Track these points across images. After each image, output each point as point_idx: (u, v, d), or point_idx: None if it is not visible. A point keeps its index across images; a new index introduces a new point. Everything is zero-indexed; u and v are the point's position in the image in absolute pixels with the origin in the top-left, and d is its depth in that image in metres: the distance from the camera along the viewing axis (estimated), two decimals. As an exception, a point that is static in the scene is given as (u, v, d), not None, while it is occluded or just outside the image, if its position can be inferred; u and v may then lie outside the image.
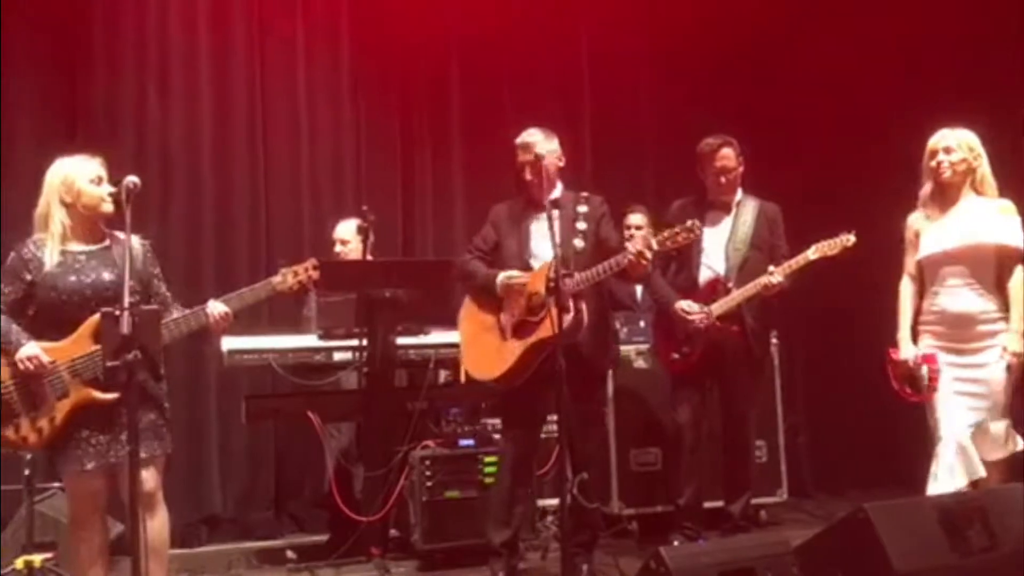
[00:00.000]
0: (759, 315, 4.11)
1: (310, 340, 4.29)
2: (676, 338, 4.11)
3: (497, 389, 3.72)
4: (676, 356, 4.14)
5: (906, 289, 3.56)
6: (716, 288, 4.07)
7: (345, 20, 5.40)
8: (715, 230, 4.09)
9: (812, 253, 3.95)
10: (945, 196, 3.49)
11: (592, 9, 5.69)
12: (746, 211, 4.16)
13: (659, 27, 5.71)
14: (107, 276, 3.02)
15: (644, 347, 4.67)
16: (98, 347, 2.87)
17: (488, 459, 4.13)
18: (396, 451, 4.15)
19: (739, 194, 4.20)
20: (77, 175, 3.05)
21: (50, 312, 3.00)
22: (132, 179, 2.86)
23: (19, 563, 3.53)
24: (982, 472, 3.29)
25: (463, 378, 4.39)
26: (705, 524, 4.18)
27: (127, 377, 2.56)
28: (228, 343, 4.10)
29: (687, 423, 4.15)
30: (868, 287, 4.24)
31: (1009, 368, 3.33)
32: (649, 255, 3.40)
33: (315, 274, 3.21)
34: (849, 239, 3.91)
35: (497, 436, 4.22)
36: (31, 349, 2.93)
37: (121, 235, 2.98)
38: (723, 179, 4.12)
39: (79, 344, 2.96)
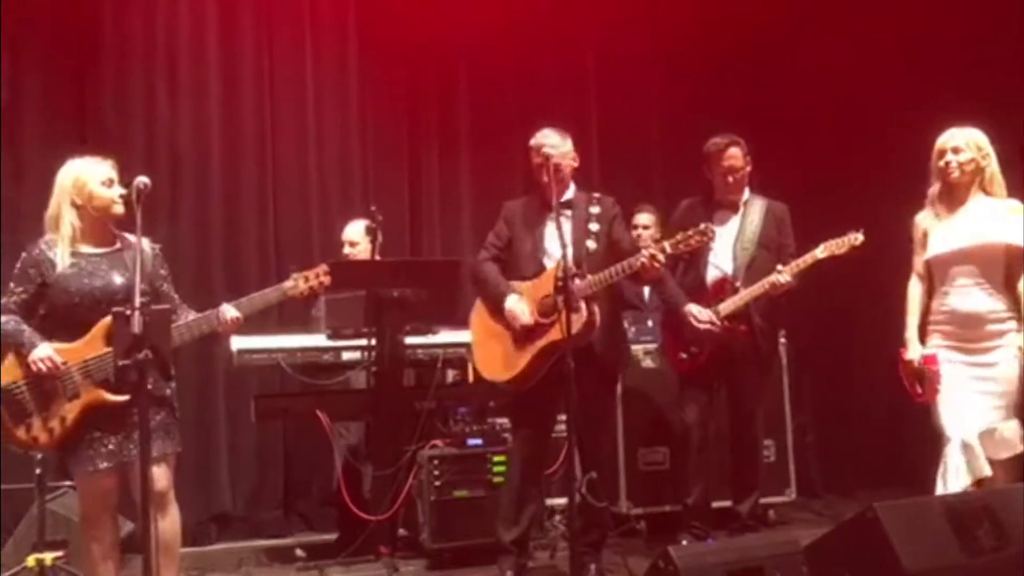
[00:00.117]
0: (767, 314, 4.11)
1: (319, 340, 4.31)
2: (684, 338, 4.11)
3: (508, 390, 3.72)
4: (684, 356, 4.14)
5: (914, 289, 3.56)
6: (724, 287, 4.07)
7: (353, 23, 5.41)
8: (723, 229, 4.09)
9: (820, 252, 3.95)
10: (954, 196, 3.48)
11: (598, 11, 5.70)
12: (753, 210, 4.16)
13: (664, 29, 5.71)
14: (118, 280, 3.04)
15: (652, 347, 4.67)
16: (110, 349, 2.88)
17: (496, 458, 4.14)
18: (405, 450, 4.16)
19: (746, 193, 4.20)
20: (88, 177, 3.06)
21: (61, 313, 3.03)
22: (143, 180, 2.87)
23: (31, 561, 3.55)
24: (987, 471, 3.28)
25: (471, 377, 4.42)
26: (713, 524, 4.19)
27: (138, 376, 2.57)
28: (237, 343, 4.12)
29: (695, 423, 4.15)
30: (877, 286, 4.24)
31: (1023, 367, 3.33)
32: (662, 258, 3.41)
33: (326, 280, 3.23)
34: (857, 238, 3.91)
35: (505, 435, 4.23)
36: (45, 350, 2.95)
37: (131, 238, 3.00)
38: (730, 178, 4.12)
39: (91, 345, 2.98)
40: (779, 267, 3.96)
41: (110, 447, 3.01)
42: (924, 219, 3.56)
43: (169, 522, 3.06)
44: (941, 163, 3.47)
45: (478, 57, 5.58)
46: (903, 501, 3.04)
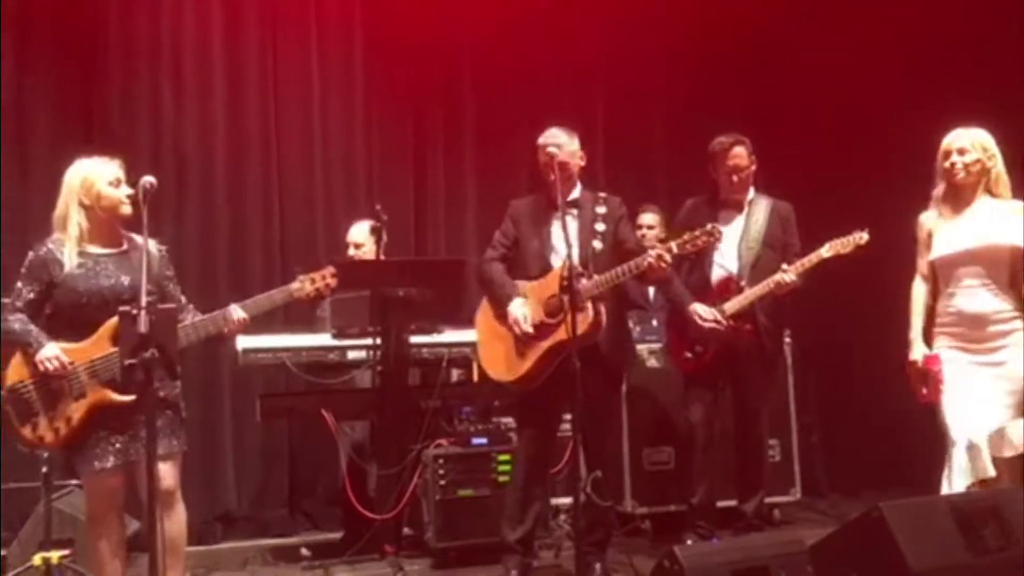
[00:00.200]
0: (772, 314, 4.10)
1: (324, 339, 4.32)
2: (689, 337, 4.11)
3: (514, 390, 3.73)
4: (689, 355, 4.14)
5: (918, 289, 3.54)
6: (729, 287, 4.07)
7: (358, 23, 5.42)
8: (727, 229, 4.07)
9: (825, 251, 3.94)
10: (959, 197, 3.47)
11: (603, 11, 5.70)
12: (758, 210, 4.16)
13: (669, 28, 5.71)
14: (125, 281, 3.05)
15: (656, 346, 4.67)
16: (116, 349, 2.90)
17: (501, 458, 4.15)
18: (410, 449, 4.17)
19: (751, 193, 4.20)
20: (96, 177, 3.07)
21: (68, 313, 3.04)
22: (149, 179, 2.88)
23: (37, 560, 3.55)
24: (991, 472, 3.27)
25: (476, 377, 4.42)
26: (718, 523, 4.18)
27: (144, 375, 2.58)
28: (243, 342, 4.13)
29: (699, 422, 4.14)
30: (882, 286, 4.23)
31: None
32: (669, 258, 3.41)
33: (333, 282, 3.24)
34: (862, 237, 3.90)
35: (510, 435, 4.23)
36: (52, 350, 2.96)
37: (138, 238, 3.01)
38: (735, 178, 4.12)
39: (98, 345, 2.99)
40: (784, 266, 3.95)
41: (116, 446, 3.02)
42: (928, 219, 3.55)
43: (175, 521, 3.07)
44: (946, 164, 3.46)
45: (483, 57, 5.58)
46: (909, 501, 3.04)
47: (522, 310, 3.59)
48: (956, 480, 3.27)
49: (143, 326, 2.58)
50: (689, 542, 3.97)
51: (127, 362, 2.59)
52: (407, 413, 4.23)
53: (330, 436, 4.48)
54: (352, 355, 4.32)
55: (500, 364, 3.69)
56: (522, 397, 3.77)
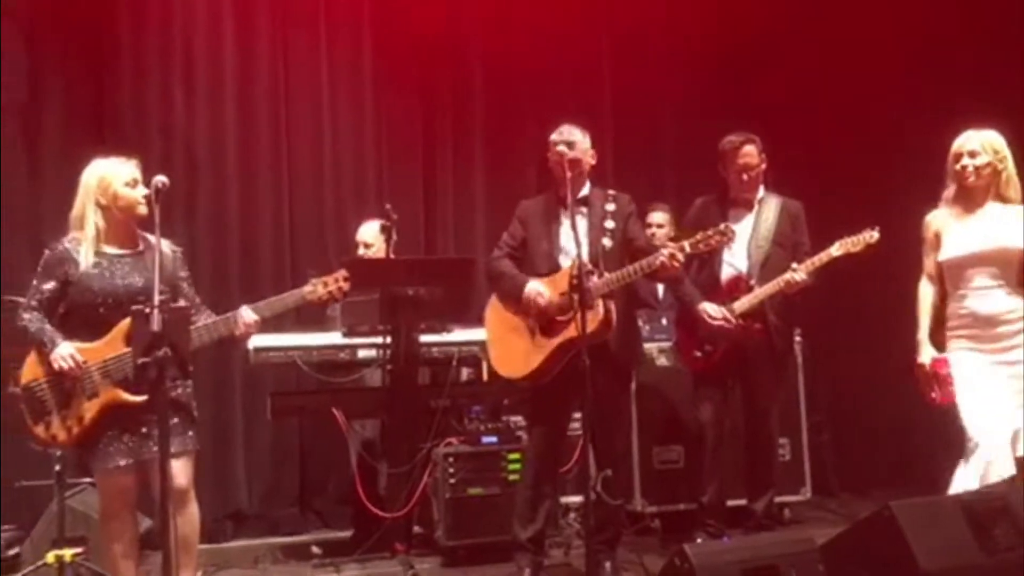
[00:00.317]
0: (782, 312, 4.09)
1: (335, 338, 4.33)
2: (698, 336, 4.11)
3: (523, 387, 3.73)
4: (698, 354, 4.13)
5: (925, 290, 3.53)
6: (738, 285, 4.06)
7: (367, 23, 5.43)
8: (737, 227, 4.02)
9: (835, 250, 3.93)
10: (970, 199, 3.45)
11: (613, 10, 5.70)
12: (768, 208, 4.15)
13: (679, 26, 5.71)
14: (139, 282, 3.06)
15: (666, 345, 4.66)
16: (129, 349, 2.92)
17: (511, 456, 4.15)
18: (420, 448, 4.18)
19: (761, 191, 4.19)
20: (113, 177, 3.09)
21: (82, 312, 3.06)
22: (161, 179, 2.89)
23: (50, 558, 3.58)
24: (1010, 471, 3.26)
25: (485, 376, 4.43)
26: (728, 522, 4.18)
27: (157, 374, 2.60)
28: (254, 341, 4.13)
29: (709, 421, 4.14)
30: (892, 284, 4.21)
31: None
32: (681, 257, 3.41)
33: (345, 285, 3.25)
34: (873, 235, 3.89)
35: (519, 433, 4.24)
36: (66, 349, 2.98)
37: (153, 239, 3.03)
38: (745, 176, 4.11)
39: (111, 345, 3.01)
40: (794, 265, 3.95)
41: (129, 445, 3.04)
42: (935, 219, 3.53)
43: (188, 519, 3.09)
44: (957, 167, 3.44)
45: (492, 56, 5.58)
46: (919, 500, 3.03)
47: (538, 286, 3.59)
48: (971, 479, 3.26)
49: (156, 324, 2.60)
50: (699, 541, 3.97)
51: (140, 360, 2.60)
52: (417, 412, 4.24)
53: (341, 435, 4.50)
54: (362, 354, 4.33)
55: (510, 361, 3.69)
56: (532, 395, 3.77)
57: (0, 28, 4.67)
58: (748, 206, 4.16)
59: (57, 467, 3.65)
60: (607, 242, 3.63)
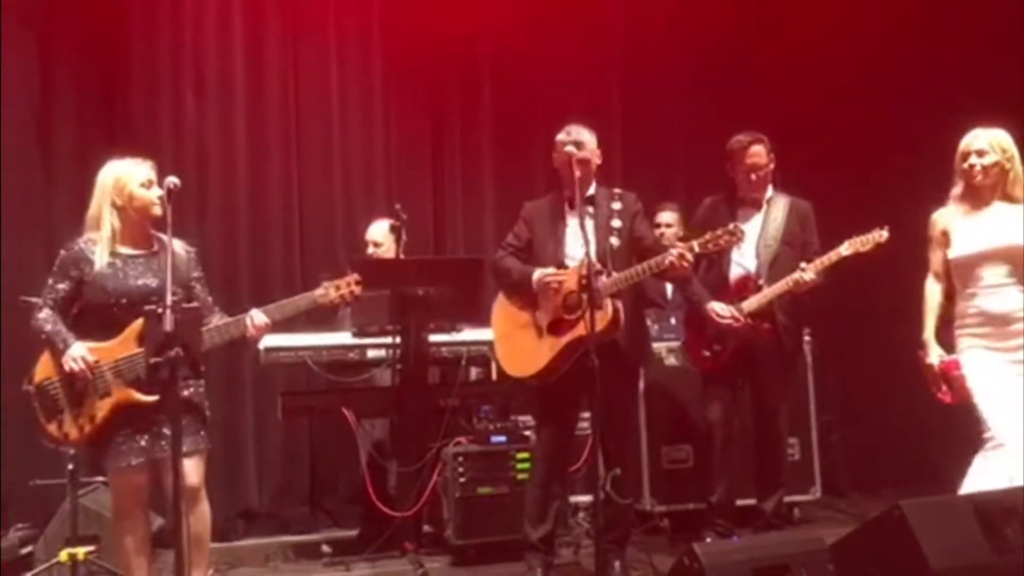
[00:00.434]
0: (791, 312, 4.09)
1: (345, 338, 4.35)
2: (707, 336, 4.11)
3: (531, 386, 3.74)
4: (707, 354, 4.14)
5: (932, 289, 3.52)
6: (747, 285, 4.06)
7: (377, 24, 5.44)
8: (746, 227, 4.03)
9: (845, 249, 3.93)
10: (977, 198, 3.45)
11: (622, 10, 5.70)
12: (777, 208, 4.15)
13: (688, 27, 5.70)
14: (153, 282, 3.08)
15: (675, 344, 4.66)
16: (141, 349, 2.94)
17: (520, 455, 4.16)
18: (429, 447, 4.19)
19: (770, 191, 4.19)
20: (129, 178, 3.11)
21: (96, 312, 3.08)
22: (173, 180, 2.92)
23: (63, 556, 3.61)
24: None
25: (495, 375, 4.44)
26: (737, 522, 4.18)
27: (169, 373, 2.62)
28: (265, 341, 4.14)
29: (718, 421, 4.14)
30: (901, 284, 4.20)
31: None
32: (691, 257, 3.42)
33: (357, 289, 3.26)
34: (882, 235, 3.89)
35: (527, 433, 4.25)
36: (79, 349, 3.00)
37: (166, 239, 3.05)
38: (754, 176, 4.11)
39: (124, 345, 3.04)
40: (803, 264, 3.95)
41: (142, 444, 3.06)
42: (942, 217, 3.52)
43: (200, 518, 3.11)
44: (965, 165, 3.43)
45: (500, 57, 5.59)
46: (930, 499, 3.02)
47: (547, 269, 3.59)
48: (982, 479, 3.24)
49: (168, 325, 2.61)
50: (708, 540, 3.97)
51: (152, 360, 2.62)
52: (426, 411, 4.25)
53: (350, 434, 4.51)
54: (372, 354, 4.35)
55: (517, 359, 3.70)
56: (540, 395, 3.78)
57: (13, 32, 4.70)
58: (757, 206, 4.16)
59: (70, 466, 3.67)
60: (614, 241, 3.63)
